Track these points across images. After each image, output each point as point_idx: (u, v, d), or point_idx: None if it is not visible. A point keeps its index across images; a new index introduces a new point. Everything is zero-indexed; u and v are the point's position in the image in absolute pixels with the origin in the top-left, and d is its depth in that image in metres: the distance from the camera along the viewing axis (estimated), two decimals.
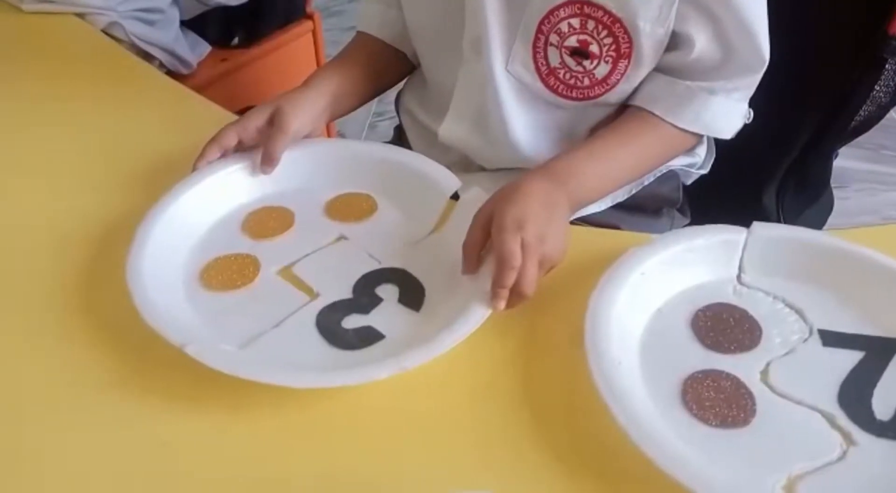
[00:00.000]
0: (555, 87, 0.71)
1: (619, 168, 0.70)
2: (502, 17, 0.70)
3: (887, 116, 0.82)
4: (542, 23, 0.69)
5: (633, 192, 0.76)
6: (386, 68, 0.84)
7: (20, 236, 0.72)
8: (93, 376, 0.59)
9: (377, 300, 0.63)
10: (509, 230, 0.57)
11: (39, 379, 0.59)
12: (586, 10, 0.67)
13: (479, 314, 0.58)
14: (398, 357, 0.55)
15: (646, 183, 0.77)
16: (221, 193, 0.72)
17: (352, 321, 0.61)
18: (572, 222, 0.72)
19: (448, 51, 0.75)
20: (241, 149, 0.73)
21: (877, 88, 0.78)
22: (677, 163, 0.78)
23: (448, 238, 0.67)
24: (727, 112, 0.71)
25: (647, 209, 0.79)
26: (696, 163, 0.80)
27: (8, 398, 0.58)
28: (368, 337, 0.60)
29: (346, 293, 0.64)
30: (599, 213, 0.75)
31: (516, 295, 0.57)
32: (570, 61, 0.69)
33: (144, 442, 0.55)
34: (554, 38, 0.69)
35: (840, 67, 0.78)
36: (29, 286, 0.66)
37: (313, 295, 0.64)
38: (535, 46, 0.70)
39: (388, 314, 0.62)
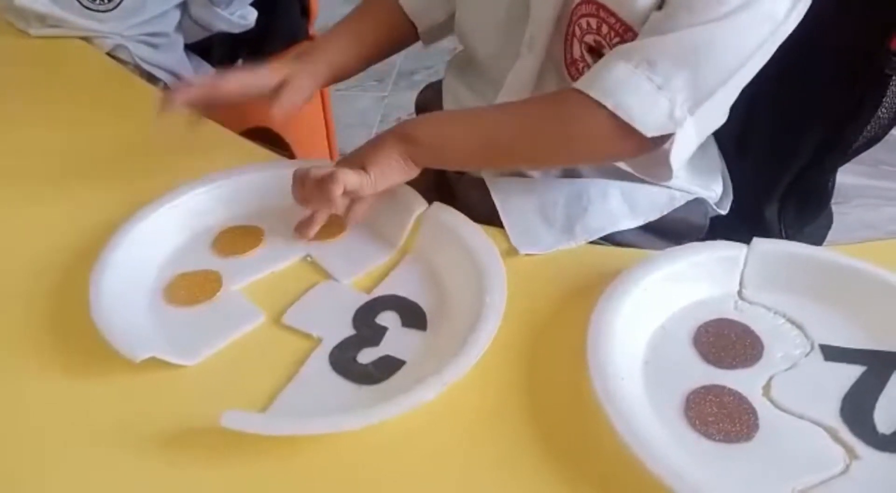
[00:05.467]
0: (574, 77, 0.71)
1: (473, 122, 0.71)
2: (552, 15, 0.71)
3: None
4: (573, 13, 0.69)
5: (665, 213, 0.76)
6: (387, 38, 0.86)
7: (21, 259, 0.72)
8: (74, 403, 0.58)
9: (382, 329, 0.62)
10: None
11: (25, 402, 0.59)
12: (601, 13, 0.67)
13: (495, 314, 0.59)
14: (439, 374, 0.54)
15: (676, 205, 0.76)
16: (193, 214, 0.73)
17: (366, 355, 0.60)
18: (597, 242, 0.72)
19: (506, 49, 0.76)
20: (229, 96, 0.77)
21: (882, 110, 0.77)
22: (695, 190, 0.78)
23: (422, 253, 0.69)
24: (636, 88, 0.62)
25: (673, 234, 0.78)
26: (712, 197, 0.80)
27: None
28: (390, 366, 0.59)
29: (348, 331, 0.62)
30: (629, 232, 0.74)
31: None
32: (588, 57, 0.70)
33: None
34: (577, 31, 0.69)
35: (843, 86, 0.78)
36: (28, 307, 0.66)
37: (315, 341, 0.62)
38: (566, 36, 0.71)
39: (398, 340, 0.61)
